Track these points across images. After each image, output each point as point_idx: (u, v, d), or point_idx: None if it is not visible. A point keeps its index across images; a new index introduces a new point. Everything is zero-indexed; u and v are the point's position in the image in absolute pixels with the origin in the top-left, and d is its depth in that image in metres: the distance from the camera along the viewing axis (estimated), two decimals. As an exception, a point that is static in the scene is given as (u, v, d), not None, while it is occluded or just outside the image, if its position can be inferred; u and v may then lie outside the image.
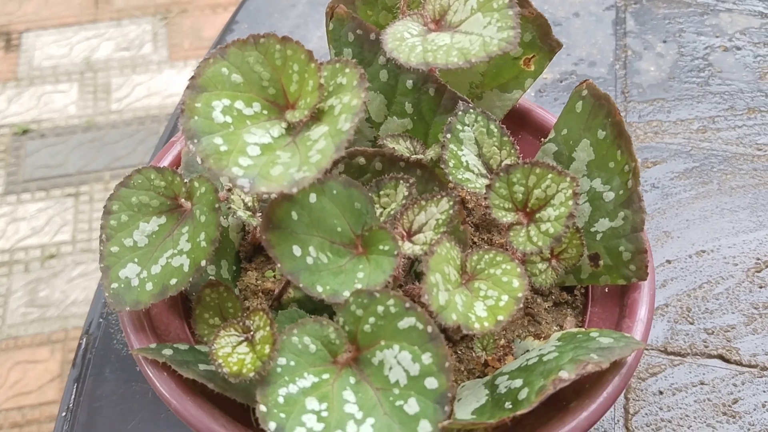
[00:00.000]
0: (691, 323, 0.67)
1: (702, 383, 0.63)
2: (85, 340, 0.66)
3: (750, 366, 0.64)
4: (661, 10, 0.93)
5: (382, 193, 0.46)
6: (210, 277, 0.48)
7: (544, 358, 0.41)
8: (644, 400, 0.62)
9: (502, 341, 0.49)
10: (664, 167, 0.78)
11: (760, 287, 0.69)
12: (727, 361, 0.65)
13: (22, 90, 1.91)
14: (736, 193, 0.76)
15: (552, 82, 0.85)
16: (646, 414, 0.61)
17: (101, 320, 0.67)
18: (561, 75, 0.86)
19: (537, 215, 0.44)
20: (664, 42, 0.89)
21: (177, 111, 0.84)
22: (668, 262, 0.71)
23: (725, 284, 0.69)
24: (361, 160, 0.48)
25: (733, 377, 0.64)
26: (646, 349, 0.65)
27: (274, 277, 0.51)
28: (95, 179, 1.73)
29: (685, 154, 0.79)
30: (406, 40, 0.41)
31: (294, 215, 0.42)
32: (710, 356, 0.65)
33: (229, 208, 0.47)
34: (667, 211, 0.74)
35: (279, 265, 0.40)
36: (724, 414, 0.61)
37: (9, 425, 1.34)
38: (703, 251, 0.71)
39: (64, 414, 0.62)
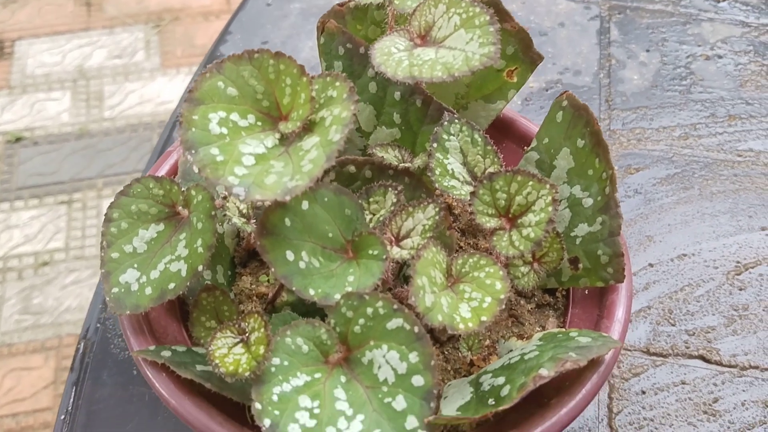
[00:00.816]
0: (673, 325, 0.69)
1: (683, 383, 0.65)
2: (83, 344, 0.68)
3: (730, 366, 0.66)
4: (645, 20, 0.95)
5: (371, 200, 0.48)
6: (206, 281, 0.50)
7: (526, 357, 0.43)
8: (627, 400, 0.64)
9: (487, 342, 0.51)
10: (647, 173, 0.80)
11: (740, 290, 0.71)
12: (708, 361, 0.67)
13: (15, 98, 1.92)
14: (717, 198, 0.78)
15: (538, 91, 0.87)
16: (629, 413, 0.63)
17: (99, 325, 0.69)
18: (547, 84, 0.88)
19: (519, 221, 0.46)
20: (647, 51, 0.92)
21: (171, 120, 0.85)
22: (651, 265, 0.73)
23: (706, 287, 0.71)
24: (352, 168, 0.50)
25: (713, 377, 0.65)
26: (629, 350, 0.67)
27: (268, 281, 0.53)
28: (88, 186, 1.74)
29: (667, 160, 0.81)
30: (393, 55, 0.43)
31: (287, 222, 0.43)
32: (691, 357, 0.67)
33: (225, 215, 0.49)
34: (649, 216, 0.76)
35: (273, 270, 0.42)
36: (705, 413, 0.63)
37: (4, 432, 1.35)
38: (685, 255, 0.73)
39: (63, 417, 0.64)
